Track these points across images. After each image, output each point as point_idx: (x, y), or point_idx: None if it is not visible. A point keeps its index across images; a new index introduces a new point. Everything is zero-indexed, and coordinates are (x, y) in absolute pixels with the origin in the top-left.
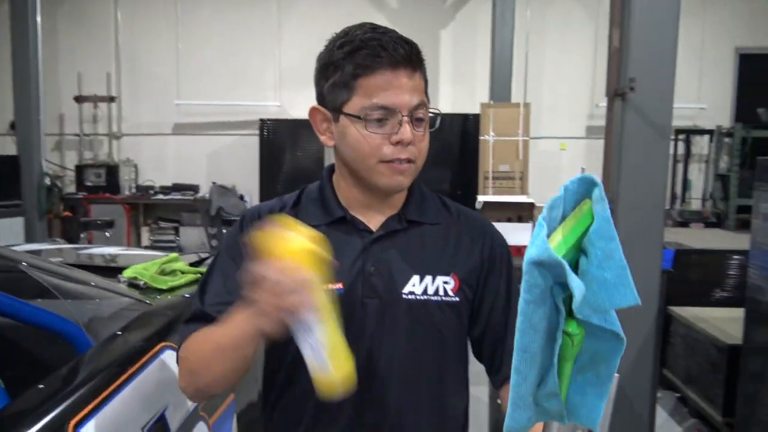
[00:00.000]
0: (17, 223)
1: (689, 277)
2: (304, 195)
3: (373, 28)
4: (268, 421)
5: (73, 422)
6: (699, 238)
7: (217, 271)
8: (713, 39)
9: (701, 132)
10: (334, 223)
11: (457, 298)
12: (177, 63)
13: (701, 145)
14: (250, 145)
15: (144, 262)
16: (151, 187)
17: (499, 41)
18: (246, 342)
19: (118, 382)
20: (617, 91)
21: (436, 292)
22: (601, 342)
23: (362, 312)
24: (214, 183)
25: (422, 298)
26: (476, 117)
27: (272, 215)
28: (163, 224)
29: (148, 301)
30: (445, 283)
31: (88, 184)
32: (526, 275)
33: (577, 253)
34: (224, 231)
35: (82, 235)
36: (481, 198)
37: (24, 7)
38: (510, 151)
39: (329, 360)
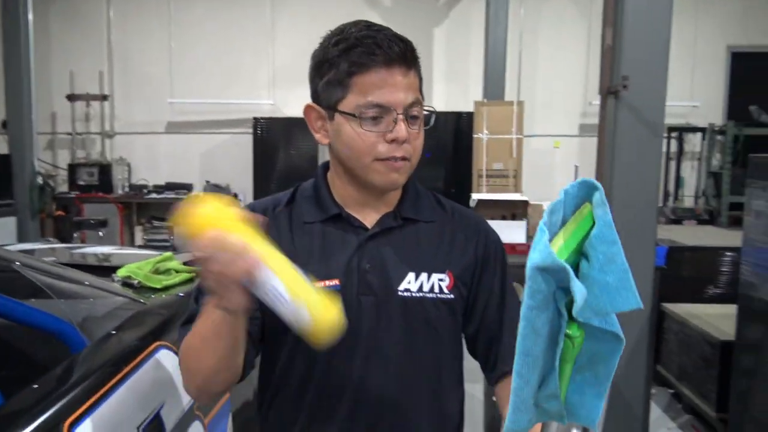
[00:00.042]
0: (9, 223)
1: (682, 274)
2: (298, 193)
3: (368, 25)
4: (264, 420)
5: (68, 422)
6: (692, 235)
7: None
8: (706, 37)
9: (694, 130)
10: (329, 220)
11: (452, 296)
12: (170, 61)
13: (694, 142)
14: (244, 143)
15: (138, 261)
16: (145, 186)
17: (492, 39)
18: (222, 327)
19: (113, 382)
20: (610, 89)
21: (432, 290)
22: (600, 343)
23: (358, 309)
24: (207, 182)
25: (417, 295)
26: (470, 115)
27: (254, 212)
28: (156, 223)
29: (142, 300)
30: (440, 280)
31: (81, 183)
32: (529, 281)
33: (578, 256)
34: None
35: (75, 235)
36: (475, 196)
37: (16, 5)
38: (504, 149)
39: (303, 308)
